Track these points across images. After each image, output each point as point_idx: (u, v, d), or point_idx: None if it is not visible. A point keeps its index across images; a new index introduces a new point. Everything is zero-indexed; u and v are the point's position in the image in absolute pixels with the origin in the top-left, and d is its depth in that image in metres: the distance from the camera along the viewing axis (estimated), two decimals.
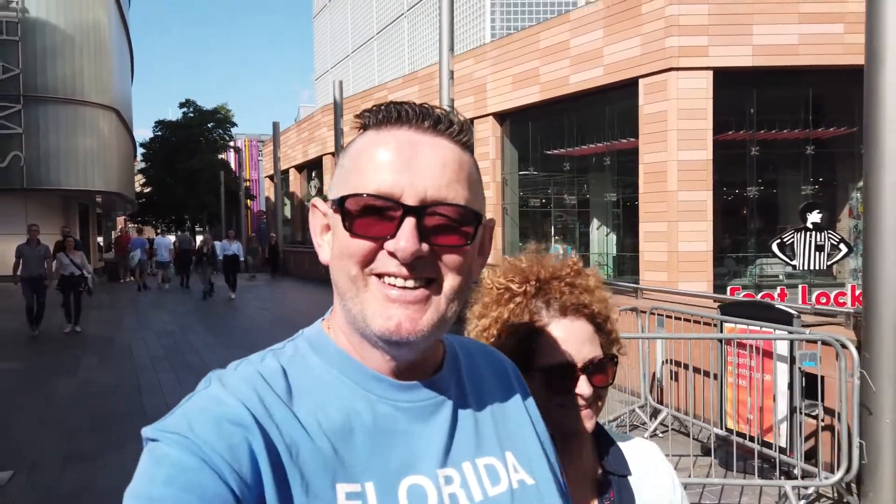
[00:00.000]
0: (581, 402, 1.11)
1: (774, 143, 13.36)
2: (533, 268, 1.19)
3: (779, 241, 13.16)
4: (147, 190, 38.21)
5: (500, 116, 16.69)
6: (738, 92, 12.97)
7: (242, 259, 19.22)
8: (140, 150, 37.85)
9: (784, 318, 4.74)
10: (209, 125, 37.38)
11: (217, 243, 18.54)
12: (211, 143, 37.50)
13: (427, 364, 0.79)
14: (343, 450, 0.69)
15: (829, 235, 13.13)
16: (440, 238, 0.71)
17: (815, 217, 13.09)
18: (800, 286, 12.66)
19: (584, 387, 1.11)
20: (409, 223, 0.69)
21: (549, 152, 16.15)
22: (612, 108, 14.11)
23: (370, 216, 0.70)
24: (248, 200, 40.35)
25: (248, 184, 40.34)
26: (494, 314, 1.19)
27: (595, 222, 17.27)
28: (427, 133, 0.74)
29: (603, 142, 14.58)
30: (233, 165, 40.60)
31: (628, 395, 6.90)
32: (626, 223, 15.39)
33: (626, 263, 15.33)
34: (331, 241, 0.76)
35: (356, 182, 0.72)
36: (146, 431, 0.65)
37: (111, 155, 19.60)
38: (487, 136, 16.74)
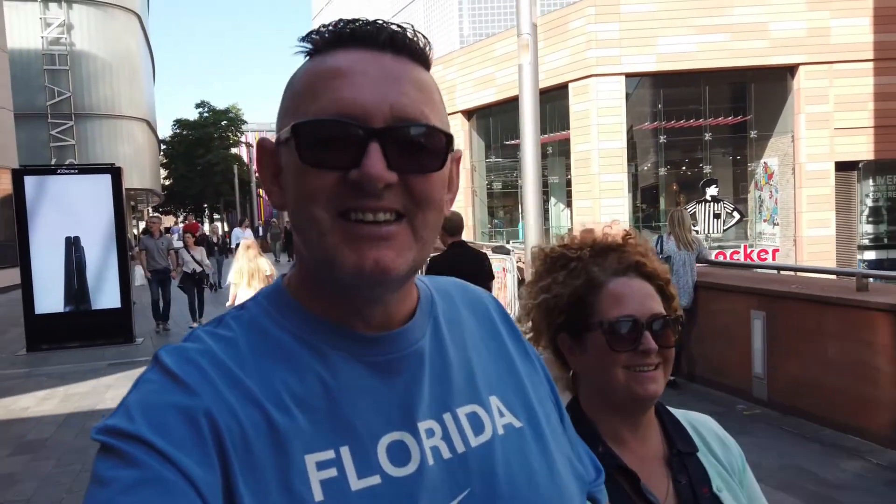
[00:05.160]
0: (647, 360, 1.05)
1: (679, 131, 16.01)
2: (587, 237, 1.17)
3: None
4: (168, 182, 41.28)
5: (468, 113, 19.34)
6: (647, 91, 15.69)
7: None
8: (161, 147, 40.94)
9: (505, 251, 8.91)
10: (222, 123, 40.27)
11: (236, 230, 20.68)
12: (224, 139, 40.48)
13: (399, 312, 0.71)
14: (308, 417, 0.62)
15: (725, 206, 15.98)
16: (409, 164, 0.63)
17: (712, 191, 16.02)
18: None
19: (649, 342, 1.04)
20: (375, 148, 0.61)
21: (507, 143, 18.89)
22: (551, 107, 16.78)
23: (329, 144, 0.62)
24: (260, 190, 43.39)
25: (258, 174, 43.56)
26: (548, 280, 1.14)
27: (553, 200, 20.02)
28: (384, 51, 0.65)
29: (546, 134, 17.32)
30: (245, 158, 43.66)
31: None
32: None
33: None
34: (285, 184, 0.67)
35: (309, 107, 0.63)
36: (93, 433, 0.58)
37: (144, 157, 22.72)
38: (457, 130, 19.44)
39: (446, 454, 0.67)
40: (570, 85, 15.44)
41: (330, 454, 0.62)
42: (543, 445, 0.76)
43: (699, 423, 1.16)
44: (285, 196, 0.67)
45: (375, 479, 0.62)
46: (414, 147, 0.63)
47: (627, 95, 15.09)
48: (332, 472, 0.61)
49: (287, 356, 0.65)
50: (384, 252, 0.62)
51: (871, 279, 4.87)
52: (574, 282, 1.11)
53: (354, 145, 0.61)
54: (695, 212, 15.56)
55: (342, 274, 0.63)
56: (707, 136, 15.81)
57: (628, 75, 14.96)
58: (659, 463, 1.08)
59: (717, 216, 15.63)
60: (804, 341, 4.83)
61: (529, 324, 1.17)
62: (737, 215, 15.80)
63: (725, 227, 15.74)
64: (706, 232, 15.66)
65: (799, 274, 7.00)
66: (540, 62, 16.29)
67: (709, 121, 15.80)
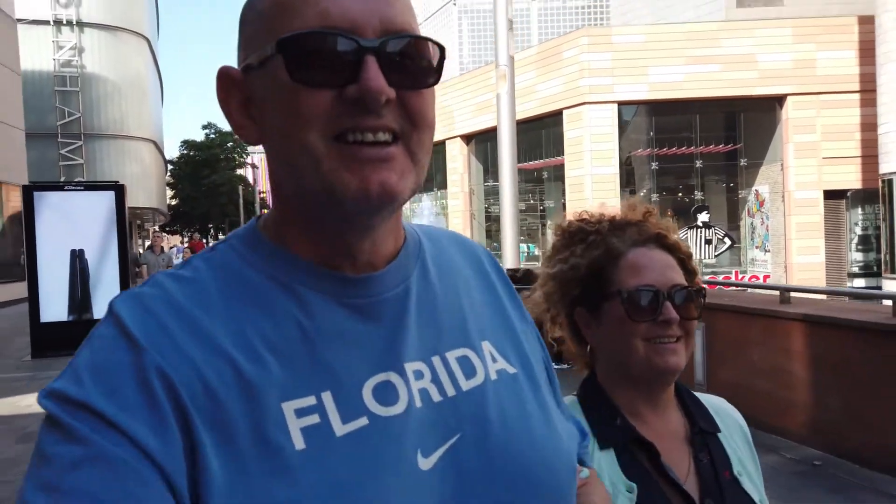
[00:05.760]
0: (668, 331, 1.03)
1: (671, 158, 16.64)
2: (605, 212, 1.15)
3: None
4: (174, 202, 42.31)
5: (467, 137, 20.01)
6: (641, 119, 16.38)
7: None
8: (168, 167, 42.08)
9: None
10: (228, 144, 41.37)
11: None
12: (230, 160, 41.56)
13: (386, 248, 0.68)
14: (284, 364, 0.59)
15: (716, 232, 16.50)
16: (404, 79, 0.60)
17: (704, 217, 16.57)
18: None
19: (670, 312, 1.02)
20: (372, 61, 0.58)
21: None
22: (546, 133, 17.47)
23: (320, 59, 0.58)
24: (264, 210, 44.34)
25: (263, 195, 44.57)
26: (566, 253, 1.12)
27: (549, 223, 20.63)
28: None
29: (541, 159, 18.02)
30: (250, 179, 44.77)
31: None
32: None
33: None
34: (259, 115, 0.63)
35: (290, 23, 0.59)
36: (40, 397, 0.54)
37: (150, 177, 23.72)
38: (457, 154, 20.12)
39: (436, 397, 0.65)
40: (564, 112, 16.10)
41: (311, 400, 0.58)
42: (538, 393, 0.74)
43: (718, 407, 1.17)
44: (260, 128, 0.63)
45: (363, 421, 0.60)
46: (408, 61, 0.61)
47: (623, 123, 15.76)
48: (313, 419, 0.58)
49: (261, 299, 0.62)
50: (387, 174, 0.59)
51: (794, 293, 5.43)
52: (593, 253, 1.09)
53: (349, 60, 0.58)
54: (686, 238, 16.10)
55: (345, 200, 0.59)
56: (699, 164, 16.42)
57: (620, 103, 15.64)
58: (679, 440, 1.07)
59: (708, 242, 16.14)
60: (736, 350, 5.36)
61: (542, 295, 1.15)
62: (728, 241, 16.31)
63: (717, 253, 16.23)
64: (698, 258, 16.17)
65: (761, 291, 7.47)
66: (535, 90, 17.21)
67: (700, 148, 16.43)
